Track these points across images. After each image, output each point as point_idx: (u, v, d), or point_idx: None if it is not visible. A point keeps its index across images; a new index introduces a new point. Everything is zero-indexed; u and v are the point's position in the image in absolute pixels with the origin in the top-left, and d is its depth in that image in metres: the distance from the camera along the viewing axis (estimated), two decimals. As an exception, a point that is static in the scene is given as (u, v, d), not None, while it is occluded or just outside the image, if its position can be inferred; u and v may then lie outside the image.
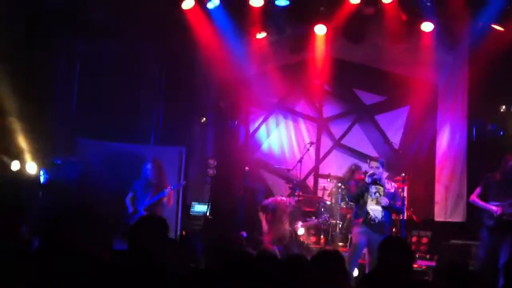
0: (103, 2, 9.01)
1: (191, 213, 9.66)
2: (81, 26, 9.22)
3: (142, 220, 4.77)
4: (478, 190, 7.44)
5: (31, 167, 8.38)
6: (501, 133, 8.98)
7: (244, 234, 7.97)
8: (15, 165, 8.16)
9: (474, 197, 7.45)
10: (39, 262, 3.85)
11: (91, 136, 9.41)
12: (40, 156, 8.56)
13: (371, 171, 7.00)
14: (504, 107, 9.06)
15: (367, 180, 6.97)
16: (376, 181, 7.01)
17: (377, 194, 6.98)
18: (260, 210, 8.39)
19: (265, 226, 8.22)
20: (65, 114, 9.39)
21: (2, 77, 8.12)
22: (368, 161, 7.31)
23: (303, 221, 8.55)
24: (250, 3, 9.14)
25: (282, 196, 8.73)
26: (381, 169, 7.04)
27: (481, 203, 7.32)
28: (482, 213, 7.36)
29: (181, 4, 9.19)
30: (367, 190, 6.98)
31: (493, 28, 8.80)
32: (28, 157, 8.38)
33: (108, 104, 9.56)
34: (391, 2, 8.90)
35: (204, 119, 10.44)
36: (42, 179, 8.39)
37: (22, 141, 8.40)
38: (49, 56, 9.19)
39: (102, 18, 9.19)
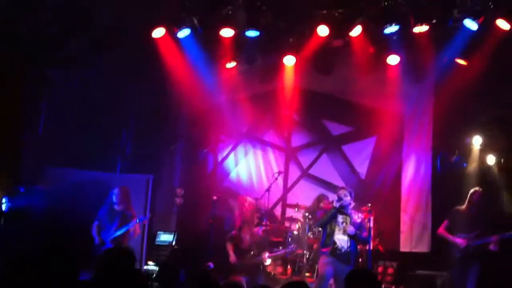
0: (74, 32, 8.98)
1: (156, 243, 9.51)
2: (51, 53, 9.17)
3: (109, 252, 4.74)
4: (445, 223, 7.77)
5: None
6: (465, 165, 9.18)
7: (211, 265, 7.89)
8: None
9: (441, 230, 7.74)
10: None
11: (58, 163, 9.28)
12: (3, 184, 8.37)
13: (338, 197, 7.06)
14: (467, 139, 9.27)
15: (335, 204, 7.02)
16: (342, 211, 7.06)
17: (344, 224, 7.03)
18: (228, 240, 8.34)
19: (232, 256, 8.16)
20: (31, 141, 9.24)
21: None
22: (337, 189, 7.36)
23: (270, 252, 8.50)
24: (221, 33, 9.21)
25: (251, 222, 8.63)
26: (349, 198, 7.10)
27: (448, 236, 7.63)
28: (450, 245, 7.56)
29: (151, 33, 9.21)
30: (335, 215, 7.02)
31: (458, 62, 9.05)
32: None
33: (76, 131, 9.46)
34: (358, 35, 9.07)
35: (173, 147, 10.38)
36: (4, 207, 8.19)
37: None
38: (17, 82, 9.08)
39: (74, 45, 9.17)
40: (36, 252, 4.49)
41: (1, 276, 4.51)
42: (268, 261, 8.35)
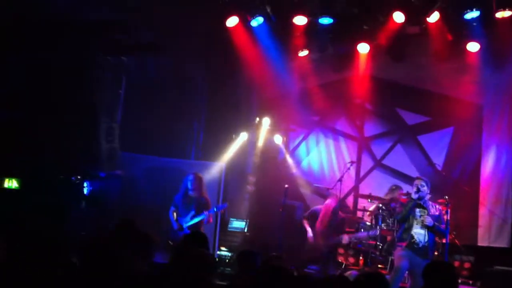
0: (149, 21, 9.18)
1: (229, 229, 9.68)
2: (127, 44, 9.44)
3: (188, 238, 4.96)
4: None
5: (76, 178, 8.57)
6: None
7: None
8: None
9: None
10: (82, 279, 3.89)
11: (133, 150, 9.56)
12: (84, 168, 8.73)
13: (416, 188, 6.86)
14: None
15: (413, 196, 6.84)
16: (419, 203, 6.88)
17: (422, 217, 6.85)
18: (305, 217, 8.32)
19: (310, 233, 8.15)
20: (109, 128, 9.56)
21: (50, 90, 8.36)
22: (415, 179, 7.12)
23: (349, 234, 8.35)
24: (294, 21, 9.17)
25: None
26: (426, 188, 6.89)
27: None
28: None
29: (225, 22, 9.29)
30: (414, 207, 6.84)
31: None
32: (73, 167, 8.56)
33: (151, 119, 9.71)
34: (436, 22, 8.80)
35: (245, 135, 10.47)
36: (85, 191, 8.55)
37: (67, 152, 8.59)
38: (95, 71, 9.41)
39: (148, 36, 9.40)
40: (113, 234, 4.66)
41: (80, 256, 4.72)
42: (346, 241, 8.17)
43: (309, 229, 8.22)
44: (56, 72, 8.48)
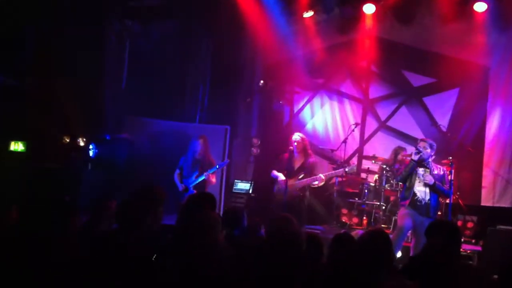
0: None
1: (234, 191, 9.77)
2: (131, 7, 9.38)
3: (195, 198, 5.02)
4: None
5: (82, 141, 8.63)
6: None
7: None
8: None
9: None
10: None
11: (138, 113, 9.60)
12: (90, 131, 8.79)
13: (417, 150, 6.84)
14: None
15: (413, 157, 6.80)
16: (422, 163, 6.87)
17: (424, 175, 6.84)
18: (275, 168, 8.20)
19: (281, 177, 8.02)
20: (114, 91, 9.59)
21: (55, 55, 8.36)
22: (418, 141, 7.10)
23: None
24: (298, -19, 9.08)
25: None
26: (429, 150, 6.83)
27: None
28: None
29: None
30: (414, 169, 6.83)
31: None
32: (79, 131, 8.63)
33: (156, 83, 9.71)
34: (443, -19, 8.69)
35: (249, 99, 10.47)
36: (91, 153, 8.62)
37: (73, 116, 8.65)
38: (100, 35, 9.39)
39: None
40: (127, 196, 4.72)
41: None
42: (322, 180, 8.02)
43: (278, 174, 8.08)
44: (61, 37, 8.47)
